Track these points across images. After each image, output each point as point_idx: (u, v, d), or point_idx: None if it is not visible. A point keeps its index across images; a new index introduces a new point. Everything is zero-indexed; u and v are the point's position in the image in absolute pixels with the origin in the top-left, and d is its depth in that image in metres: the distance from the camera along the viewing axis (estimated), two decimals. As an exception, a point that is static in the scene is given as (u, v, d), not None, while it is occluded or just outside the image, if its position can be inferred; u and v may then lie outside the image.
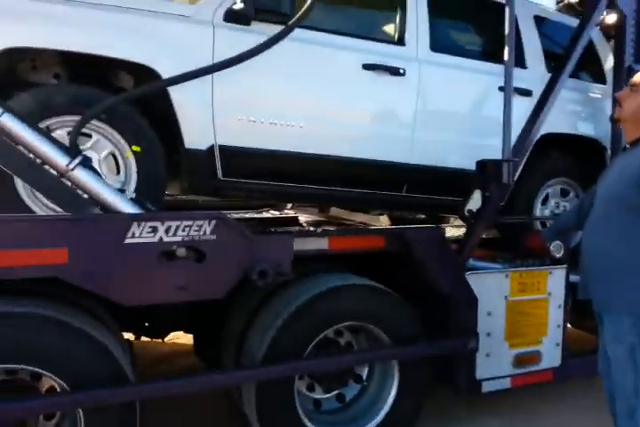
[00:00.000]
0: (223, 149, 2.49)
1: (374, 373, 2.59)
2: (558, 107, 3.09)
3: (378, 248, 2.48)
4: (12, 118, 2.00)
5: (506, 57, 2.78)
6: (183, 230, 2.03)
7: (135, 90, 2.34)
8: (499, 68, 2.90)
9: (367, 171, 2.83)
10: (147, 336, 2.98)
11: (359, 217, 4.16)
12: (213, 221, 2.06)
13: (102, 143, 2.34)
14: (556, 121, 3.16)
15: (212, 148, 2.48)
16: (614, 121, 2.22)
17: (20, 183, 2.21)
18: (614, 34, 3.35)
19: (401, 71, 2.83)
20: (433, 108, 2.96)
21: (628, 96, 2.05)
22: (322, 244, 2.36)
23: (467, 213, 2.67)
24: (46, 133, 2.10)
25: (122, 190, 2.22)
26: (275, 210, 4.32)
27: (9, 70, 2.35)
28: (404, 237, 2.47)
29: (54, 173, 2.07)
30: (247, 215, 4.11)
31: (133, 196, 2.31)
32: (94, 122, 2.27)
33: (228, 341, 2.51)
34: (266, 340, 2.22)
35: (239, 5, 2.44)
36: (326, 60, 2.70)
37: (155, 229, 1.99)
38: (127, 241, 1.97)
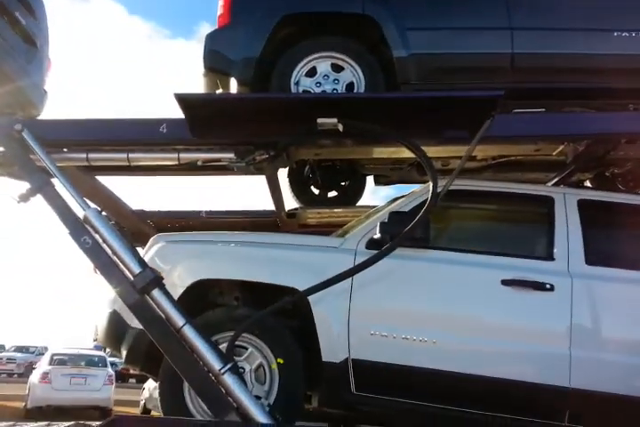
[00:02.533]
0: (356, 362, 2.63)
1: None
2: None
3: None
4: (190, 329, 2.55)
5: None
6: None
7: (278, 303, 2.69)
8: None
9: (515, 394, 2.59)
10: None
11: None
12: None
13: (254, 355, 2.72)
14: None
15: (345, 361, 2.64)
16: None
17: (187, 393, 2.67)
18: None
19: (547, 286, 2.75)
20: (592, 324, 2.70)
21: None
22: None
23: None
24: (211, 341, 2.58)
25: (258, 397, 2.47)
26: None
27: (202, 295, 3.05)
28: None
29: (210, 375, 2.46)
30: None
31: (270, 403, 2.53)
32: (250, 336, 2.71)
33: None
34: None
35: (378, 235, 2.85)
36: (462, 278, 2.81)
37: (273, 443, 2.13)
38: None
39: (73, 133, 3.12)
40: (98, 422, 2.40)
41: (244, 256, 2.92)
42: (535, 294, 2.74)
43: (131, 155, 3.12)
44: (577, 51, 3.32)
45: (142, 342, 2.77)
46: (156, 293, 2.59)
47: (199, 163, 3.19)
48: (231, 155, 3.08)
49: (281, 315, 2.82)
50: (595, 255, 2.87)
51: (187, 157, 3.14)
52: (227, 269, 2.89)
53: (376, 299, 2.75)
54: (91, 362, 11.56)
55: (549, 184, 3.71)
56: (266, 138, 3.05)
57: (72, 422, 2.73)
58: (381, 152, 3.51)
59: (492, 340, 2.68)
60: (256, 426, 2.37)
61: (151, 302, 2.59)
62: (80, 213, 2.74)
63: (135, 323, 2.80)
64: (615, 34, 3.30)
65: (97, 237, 2.68)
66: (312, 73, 3.34)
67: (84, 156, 3.12)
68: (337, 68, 3.34)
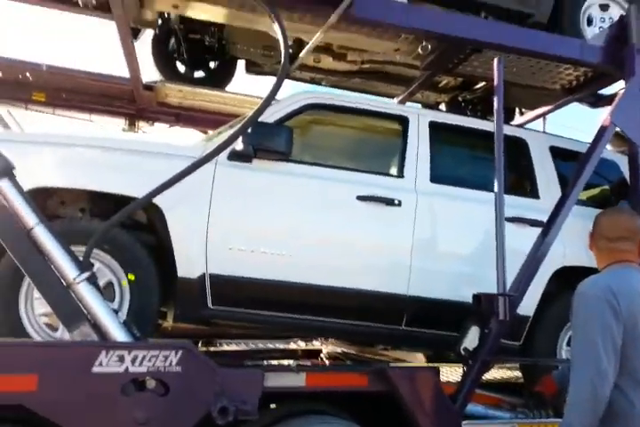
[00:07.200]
0: (214, 277, 2.60)
1: None
2: (574, 237, 2.91)
3: (360, 388, 2.35)
4: (43, 230, 2.25)
5: (496, 185, 2.77)
6: (149, 360, 2.07)
7: (123, 210, 2.43)
8: (507, 198, 2.85)
9: (359, 302, 2.79)
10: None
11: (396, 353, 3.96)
12: (180, 352, 2.09)
13: (102, 272, 2.52)
14: (573, 253, 3.00)
15: (202, 276, 2.59)
16: None
17: (23, 309, 2.43)
18: (629, 162, 3.28)
19: (396, 202, 2.90)
20: (433, 237, 2.96)
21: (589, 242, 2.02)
22: (299, 381, 2.28)
23: (462, 352, 2.49)
24: (66, 246, 2.29)
25: (116, 311, 2.34)
26: (303, 341, 4.25)
27: (40, 206, 2.68)
28: (389, 377, 2.33)
29: (63, 282, 2.22)
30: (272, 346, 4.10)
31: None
32: (97, 251, 2.46)
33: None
34: None
35: (240, 146, 2.70)
36: (321, 192, 2.84)
37: (121, 359, 2.05)
38: (94, 370, 2.02)
39: None
40: None
41: (93, 162, 2.58)
42: (386, 210, 2.88)
43: None
44: None
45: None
46: (3, 183, 2.21)
47: None
48: None
49: (135, 229, 2.64)
50: (439, 174, 3.08)
51: None
52: (70, 176, 2.54)
53: (235, 212, 2.68)
54: None
55: (400, 97, 3.79)
56: None
57: None
58: (241, 18, 3.25)
59: (346, 252, 2.80)
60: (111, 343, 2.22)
61: None
62: None
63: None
64: None
65: None
66: None
67: None
68: None
